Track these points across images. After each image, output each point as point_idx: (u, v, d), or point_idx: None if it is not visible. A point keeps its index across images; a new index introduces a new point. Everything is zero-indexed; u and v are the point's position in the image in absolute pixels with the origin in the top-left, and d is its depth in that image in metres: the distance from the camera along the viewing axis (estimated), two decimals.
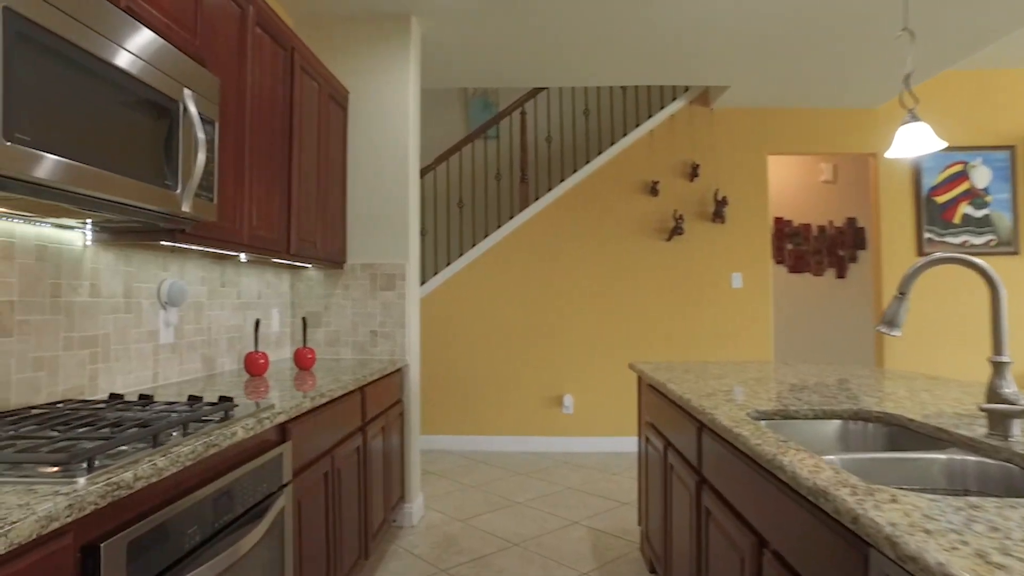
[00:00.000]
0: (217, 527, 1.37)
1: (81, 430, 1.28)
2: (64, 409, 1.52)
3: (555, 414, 4.97)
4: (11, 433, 1.24)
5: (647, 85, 5.28)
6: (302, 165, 2.72)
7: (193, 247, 2.02)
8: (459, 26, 3.58)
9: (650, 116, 5.08)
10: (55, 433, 1.26)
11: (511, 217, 5.04)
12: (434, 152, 6.20)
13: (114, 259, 1.98)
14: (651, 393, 2.53)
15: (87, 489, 0.99)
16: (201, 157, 1.64)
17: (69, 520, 0.95)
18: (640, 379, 2.90)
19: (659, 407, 2.35)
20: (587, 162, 5.06)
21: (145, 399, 1.69)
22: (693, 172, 5.02)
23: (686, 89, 5.18)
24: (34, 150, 1.17)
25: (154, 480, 1.14)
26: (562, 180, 5.09)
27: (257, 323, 2.51)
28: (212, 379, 2.40)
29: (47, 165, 1.19)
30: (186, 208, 1.64)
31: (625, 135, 5.08)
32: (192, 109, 1.64)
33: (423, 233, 5.26)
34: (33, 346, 1.68)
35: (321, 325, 3.42)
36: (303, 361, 2.77)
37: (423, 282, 5.16)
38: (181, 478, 1.28)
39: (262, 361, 2.49)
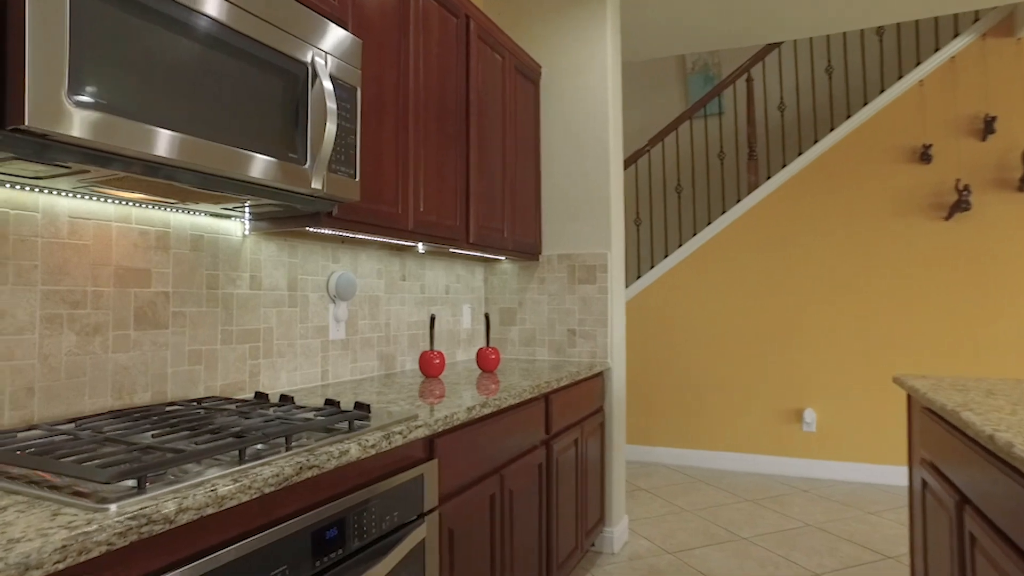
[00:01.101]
0: (321, 566, 1.12)
1: (177, 435, 1.11)
2: (191, 408, 1.41)
3: (793, 431, 4.17)
4: (106, 434, 1.11)
5: (916, 20, 4.21)
6: (482, 145, 2.48)
7: (353, 235, 1.86)
8: None
9: (919, 63, 4.02)
10: (148, 438, 1.11)
11: (738, 200, 4.37)
12: (649, 133, 5.70)
13: (276, 250, 1.89)
14: (931, 420, 1.81)
15: (104, 524, 0.77)
16: (331, 128, 1.43)
17: (64, 565, 0.73)
18: (911, 399, 2.14)
19: (945, 443, 1.64)
20: (831, 130, 4.17)
21: (285, 400, 1.53)
22: (986, 128, 3.85)
23: (975, 18, 4.01)
24: (105, 113, 1.01)
25: (210, 512, 0.90)
26: (799, 154, 4.27)
27: (432, 319, 2.32)
28: (388, 379, 2.24)
29: (125, 130, 1.03)
30: (316, 185, 1.44)
31: (883, 91, 4.09)
32: (323, 74, 1.43)
33: (637, 223, 4.80)
34: (189, 339, 1.61)
35: (515, 323, 3.17)
36: (486, 362, 2.52)
37: (639, 275, 4.71)
38: (270, 504, 1.04)
39: (437, 361, 2.28)
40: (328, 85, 1.43)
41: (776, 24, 3.62)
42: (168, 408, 1.42)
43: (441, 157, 2.19)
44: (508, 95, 2.72)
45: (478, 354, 2.52)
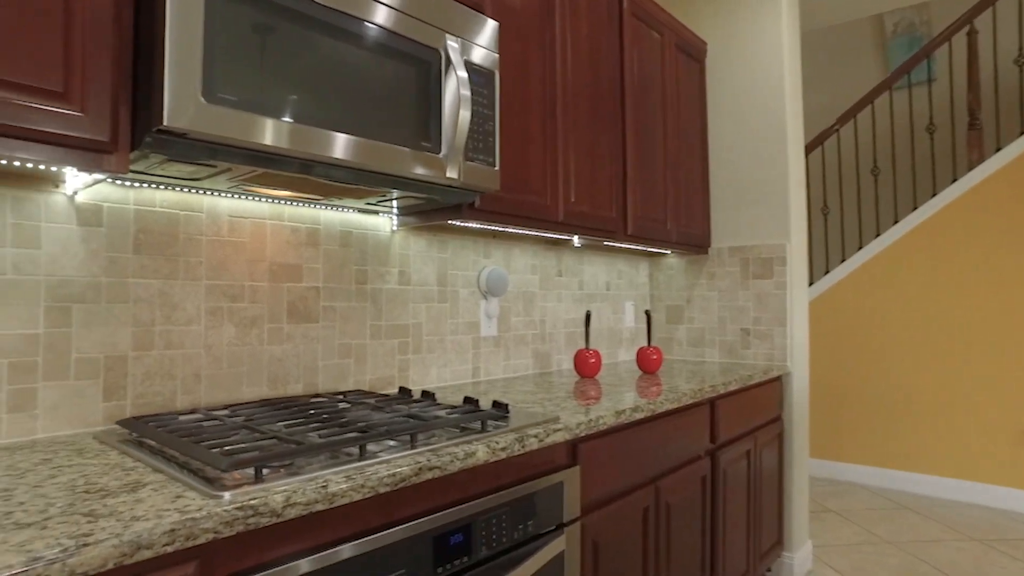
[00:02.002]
0: (444, 573, 1.06)
1: (310, 426, 1.11)
2: (334, 400, 1.43)
3: None
4: (248, 423, 1.14)
5: None
6: (640, 130, 2.31)
7: (500, 228, 1.81)
8: None
9: None
10: (279, 428, 1.12)
11: (953, 180, 3.71)
12: (837, 111, 5.08)
13: (426, 245, 1.90)
14: None
15: (212, 511, 0.76)
16: (465, 114, 1.37)
17: (172, 549, 0.73)
18: None
19: None
20: None
21: (426, 396, 1.51)
22: None
23: None
24: (237, 110, 1.03)
25: (320, 508, 0.87)
26: None
27: (588, 316, 2.20)
28: (541, 378, 2.17)
29: (256, 126, 1.05)
30: (452, 174, 1.39)
31: None
32: (455, 59, 1.39)
33: (824, 212, 4.28)
34: (339, 333, 1.66)
35: (683, 321, 2.95)
36: (646, 363, 2.34)
37: (827, 270, 4.20)
38: (389, 504, 1.00)
39: (592, 361, 2.16)
40: (462, 72, 1.38)
41: None
42: (313, 400, 1.46)
43: (594, 144, 2.07)
44: (668, 75, 2.52)
45: (638, 354, 2.36)
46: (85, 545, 0.66)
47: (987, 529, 3.12)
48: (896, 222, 3.89)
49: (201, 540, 0.75)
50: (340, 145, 1.17)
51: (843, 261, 4.08)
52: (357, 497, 0.91)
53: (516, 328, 2.23)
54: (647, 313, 2.42)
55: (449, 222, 1.66)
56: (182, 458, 0.99)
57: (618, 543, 1.55)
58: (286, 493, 0.84)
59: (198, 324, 1.39)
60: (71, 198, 1.23)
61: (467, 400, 1.42)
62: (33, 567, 0.63)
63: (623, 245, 2.37)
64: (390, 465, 0.98)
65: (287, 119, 1.09)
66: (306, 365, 1.58)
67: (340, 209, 1.66)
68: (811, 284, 4.23)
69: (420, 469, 1.01)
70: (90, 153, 0.99)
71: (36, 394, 1.18)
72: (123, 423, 1.16)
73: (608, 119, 2.15)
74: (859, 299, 3.98)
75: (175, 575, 0.75)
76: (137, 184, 1.31)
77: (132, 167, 1.15)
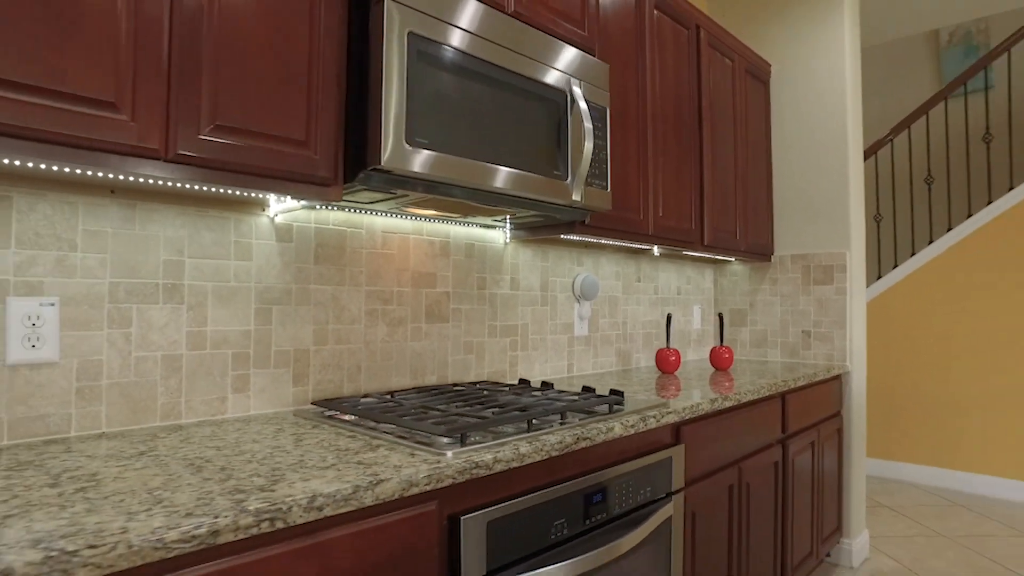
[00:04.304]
0: (589, 524, 1.31)
1: (473, 407, 1.37)
2: (474, 388, 1.69)
3: None
4: (424, 403, 1.40)
5: None
6: (715, 149, 2.54)
7: (600, 240, 2.05)
8: None
9: None
10: (454, 408, 1.38)
11: (1010, 188, 3.82)
12: (891, 122, 5.19)
13: (532, 255, 2.15)
14: None
15: (448, 463, 1.02)
16: (588, 145, 1.62)
17: (428, 488, 0.99)
18: None
19: None
20: None
21: (546, 386, 1.76)
22: None
23: None
24: (432, 151, 1.29)
25: (515, 465, 1.12)
26: None
27: (669, 318, 2.43)
28: (625, 374, 2.41)
29: (441, 163, 1.31)
30: (576, 197, 1.64)
31: None
32: (580, 99, 1.64)
33: (877, 219, 4.42)
34: (464, 332, 1.92)
35: (746, 324, 3.15)
36: (719, 361, 2.57)
37: (879, 275, 4.34)
38: (552, 467, 1.25)
39: (673, 358, 2.39)
40: (584, 107, 1.63)
41: None
42: (455, 388, 1.72)
43: (677, 164, 2.30)
44: (738, 98, 2.73)
45: (712, 352, 2.58)
46: (380, 481, 0.93)
47: None
48: (950, 229, 4.02)
49: (443, 484, 1.01)
50: (501, 176, 1.43)
51: (895, 267, 4.22)
52: (537, 458, 1.17)
53: (603, 329, 2.48)
54: (720, 315, 2.63)
55: (561, 236, 1.91)
56: (386, 427, 1.26)
57: (710, 514, 1.78)
58: (492, 452, 1.09)
59: (359, 324, 1.67)
60: (272, 219, 1.51)
61: (585, 388, 1.66)
62: (357, 492, 0.89)
63: (699, 254, 2.59)
64: (555, 435, 1.23)
65: (461, 156, 1.35)
66: (439, 359, 1.85)
67: (466, 224, 1.92)
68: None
69: (577, 439, 1.26)
70: (317, 187, 1.27)
71: (249, 379, 1.46)
72: (319, 403, 1.44)
73: (688, 140, 2.38)
74: (912, 303, 4.12)
75: (424, 509, 1.01)
76: (317, 206, 1.58)
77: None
